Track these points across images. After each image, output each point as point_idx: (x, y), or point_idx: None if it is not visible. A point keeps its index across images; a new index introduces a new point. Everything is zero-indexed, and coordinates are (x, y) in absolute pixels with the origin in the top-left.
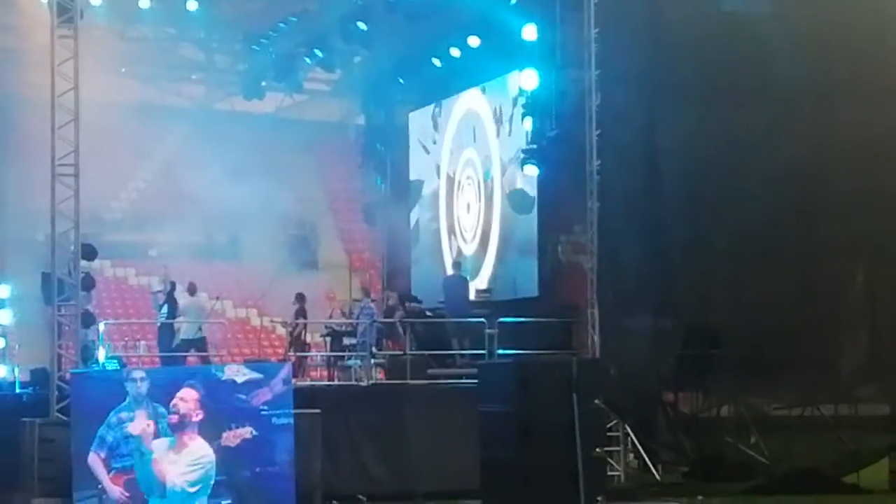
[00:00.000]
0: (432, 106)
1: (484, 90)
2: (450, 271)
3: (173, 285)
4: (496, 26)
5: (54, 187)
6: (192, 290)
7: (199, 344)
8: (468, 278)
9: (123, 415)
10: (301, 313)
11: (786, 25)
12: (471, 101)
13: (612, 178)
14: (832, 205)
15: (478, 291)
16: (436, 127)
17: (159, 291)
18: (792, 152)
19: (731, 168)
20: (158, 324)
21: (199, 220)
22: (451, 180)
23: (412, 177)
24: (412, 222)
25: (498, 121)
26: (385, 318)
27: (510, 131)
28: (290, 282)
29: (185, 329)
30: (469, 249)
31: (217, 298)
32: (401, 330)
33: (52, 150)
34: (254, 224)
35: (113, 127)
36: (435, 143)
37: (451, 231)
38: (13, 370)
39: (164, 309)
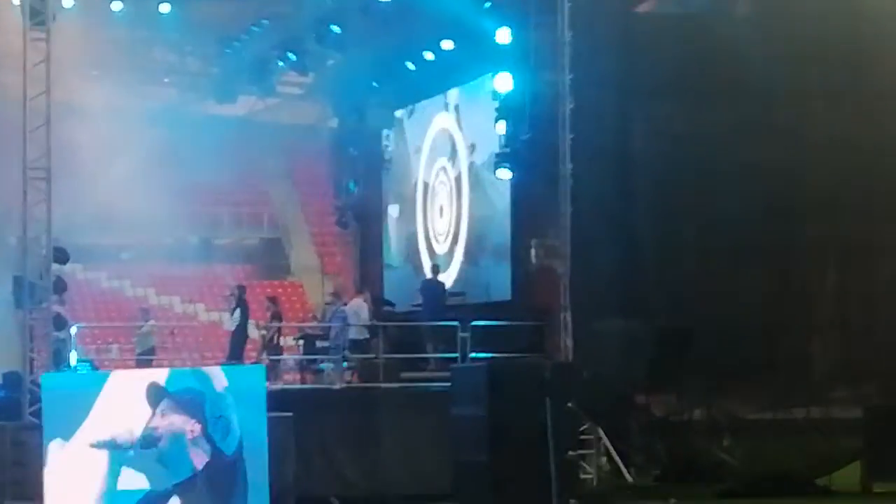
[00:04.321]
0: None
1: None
2: (428, 275)
3: (242, 289)
4: (470, 29)
5: (26, 191)
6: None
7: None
8: (445, 283)
9: None
10: (275, 317)
11: (759, 27)
12: (442, 121)
13: (585, 182)
14: (805, 206)
15: (450, 294)
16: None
17: (230, 295)
18: (765, 154)
19: (704, 170)
20: (234, 327)
21: (171, 223)
22: (426, 186)
23: (384, 181)
24: (385, 226)
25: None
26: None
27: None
28: (263, 285)
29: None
30: (442, 251)
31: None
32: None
33: (24, 154)
34: (226, 227)
35: (85, 130)
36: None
37: (426, 236)
38: None
39: (237, 314)
